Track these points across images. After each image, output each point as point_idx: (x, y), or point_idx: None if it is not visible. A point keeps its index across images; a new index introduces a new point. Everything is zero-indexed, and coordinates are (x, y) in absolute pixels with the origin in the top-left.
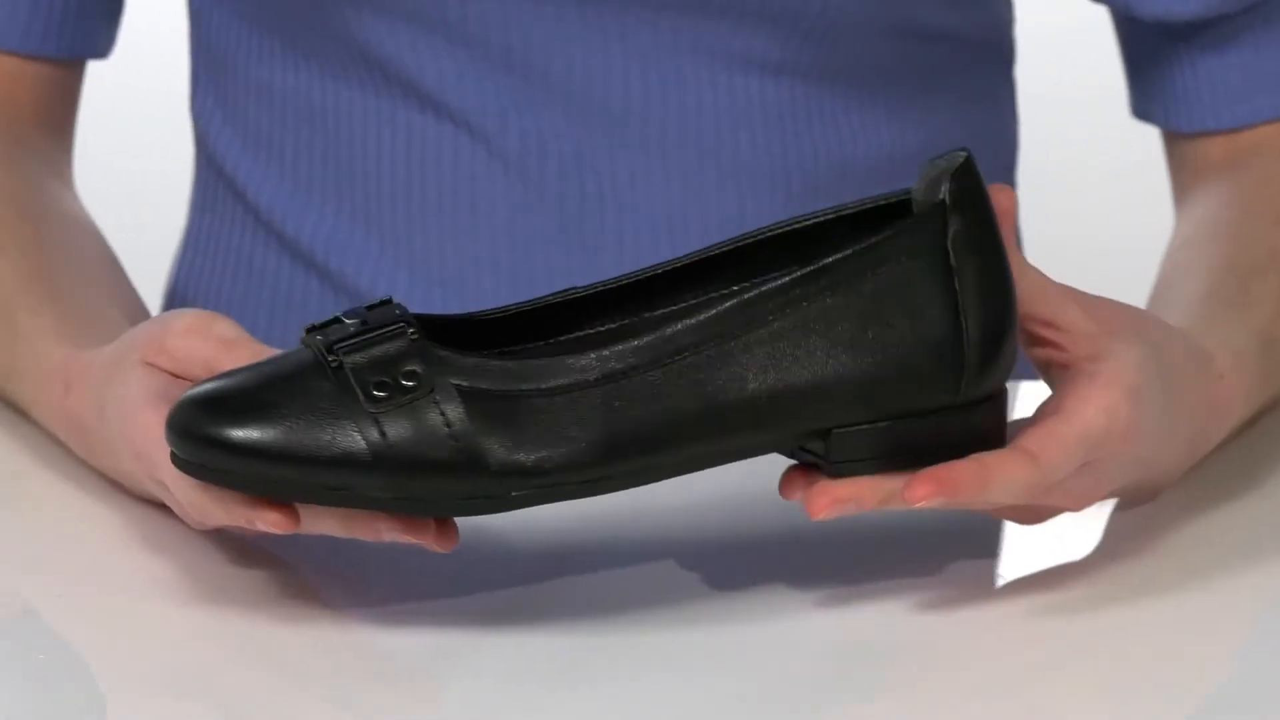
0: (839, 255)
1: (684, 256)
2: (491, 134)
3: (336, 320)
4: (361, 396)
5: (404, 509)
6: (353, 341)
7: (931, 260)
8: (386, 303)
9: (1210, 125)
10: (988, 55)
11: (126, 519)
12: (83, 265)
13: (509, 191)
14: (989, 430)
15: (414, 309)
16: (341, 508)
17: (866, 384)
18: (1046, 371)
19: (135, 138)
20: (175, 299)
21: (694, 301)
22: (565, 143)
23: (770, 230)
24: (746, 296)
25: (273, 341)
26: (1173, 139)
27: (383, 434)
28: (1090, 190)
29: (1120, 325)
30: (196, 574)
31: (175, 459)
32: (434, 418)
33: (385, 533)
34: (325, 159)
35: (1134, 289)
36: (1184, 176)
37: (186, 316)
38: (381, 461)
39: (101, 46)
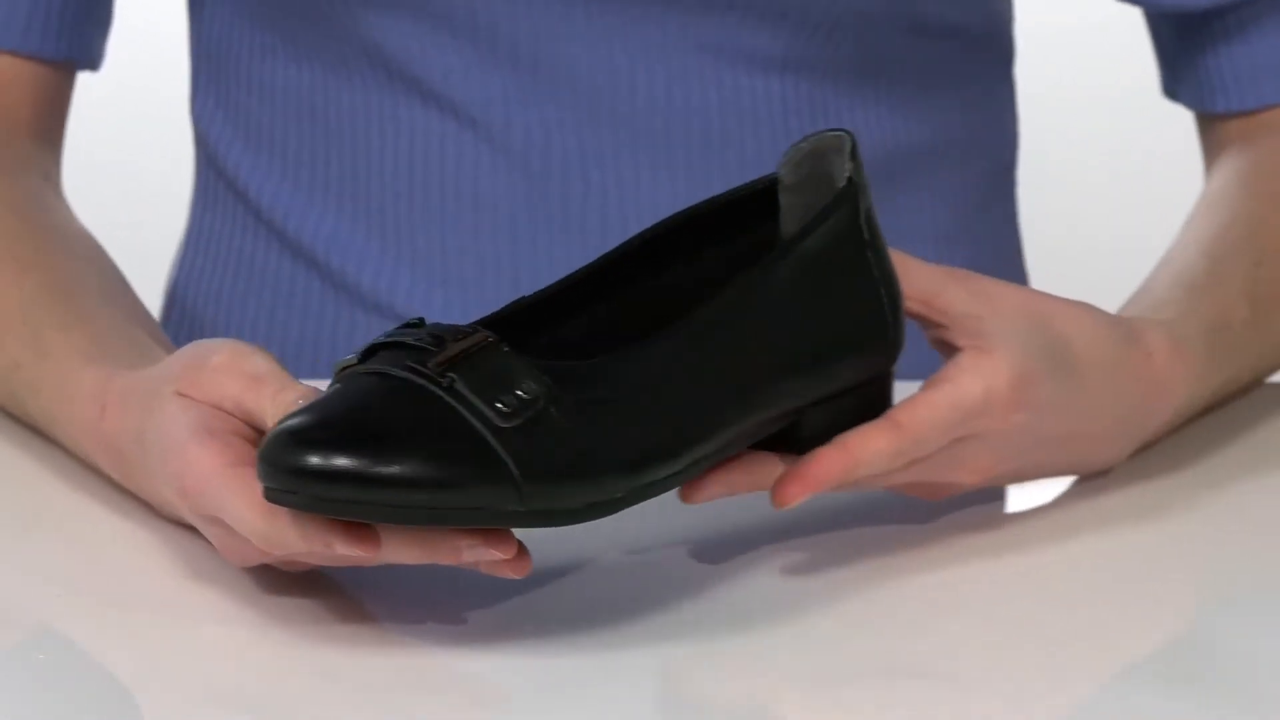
0: (787, 241)
1: (608, 254)
2: (495, 129)
3: (388, 344)
4: (490, 414)
5: (537, 523)
6: (446, 359)
7: (853, 238)
8: (420, 323)
9: (1230, 107)
10: (989, 52)
11: (163, 539)
12: (102, 283)
13: (512, 188)
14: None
15: (415, 308)
16: (472, 527)
17: (825, 358)
18: (942, 353)
19: (135, 138)
20: (175, 299)
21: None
22: (569, 138)
23: (669, 222)
24: (737, 286)
25: (273, 340)
26: (1201, 118)
27: (517, 449)
28: (1090, 190)
29: (1006, 306)
30: (240, 594)
31: (273, 492)
32: (556, 427)
33: (466, 551)
34: (327, 157)
35: (1133, 286)
36: (1209, 154)
37: (222, 352)
38: (513, 480)
39: (94, 55)
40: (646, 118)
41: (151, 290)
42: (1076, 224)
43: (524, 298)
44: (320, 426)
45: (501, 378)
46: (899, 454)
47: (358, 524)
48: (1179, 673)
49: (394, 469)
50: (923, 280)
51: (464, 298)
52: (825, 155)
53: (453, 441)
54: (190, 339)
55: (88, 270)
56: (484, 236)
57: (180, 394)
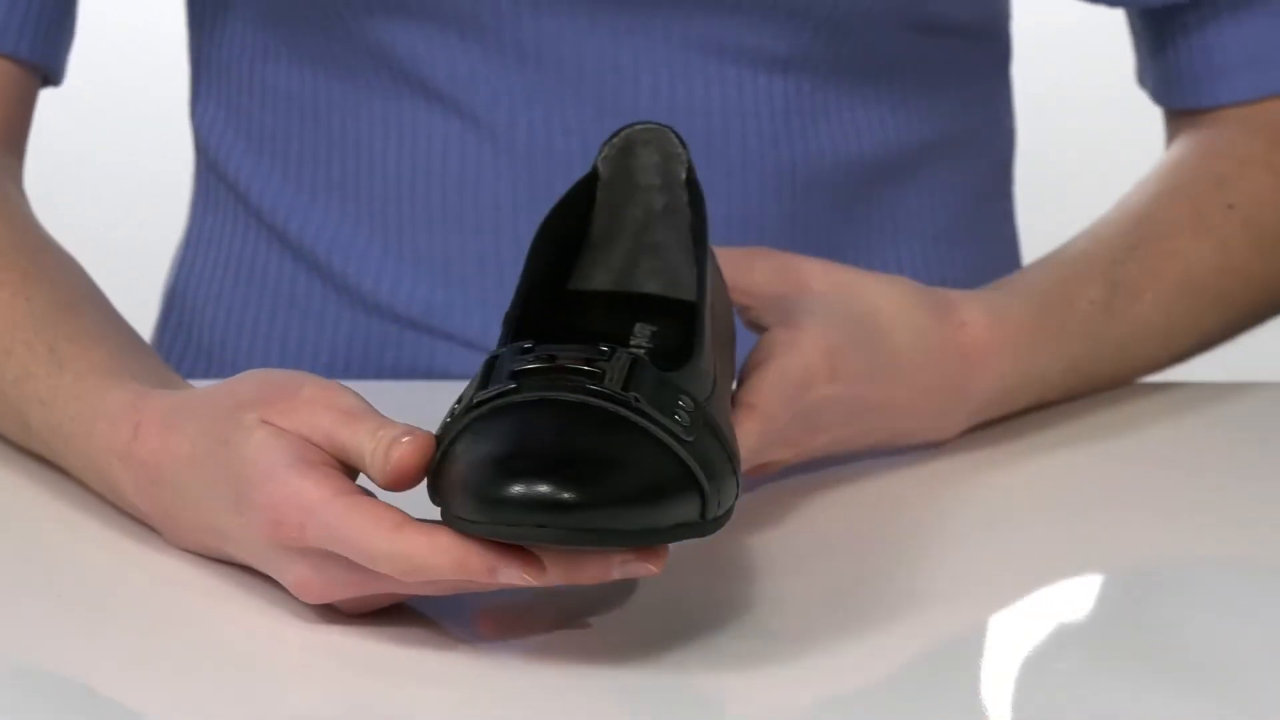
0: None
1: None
2: (500, 129)
3: (535, 370)
4: (677, 429)
5: (710, 530)
6: (613, 376)
7: (698, 224)
8: (531, 348)
9: (1179, 103)
10: (987, 50)
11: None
12: (95, 299)
13: (515, 187)
14: None
15: (418, 309)
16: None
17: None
18: (757, 335)
19: (135, 138)
20: (175, 301)
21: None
22: (573, 137)
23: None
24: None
25: (273, 342)
26: (1165, 111)
27: (700, 459)
28: (1089, 190)
29: (813, 282)
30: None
31: (470, 524)
32: (712, 433)
33: (617, 569)
34: (329, 159)
35: None
36: (1166, 145)
37: (310, 384)
38: (711, 485)
39: (59, 67)
40: (650, 117)
41: (151, 290)
42: (1075, 223)
43: (507, 313)
44: (531, 455)
45: (669, 391)
46: (762, 434)
47: (522, 549)
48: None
49: (614, 494)
50: (728, 262)
51: (466, 299)
52: (633, 149)
53: (654, 460)
54: (190, 341)
55: (81, 285)
56: (487, 237)
57: (265, 422)
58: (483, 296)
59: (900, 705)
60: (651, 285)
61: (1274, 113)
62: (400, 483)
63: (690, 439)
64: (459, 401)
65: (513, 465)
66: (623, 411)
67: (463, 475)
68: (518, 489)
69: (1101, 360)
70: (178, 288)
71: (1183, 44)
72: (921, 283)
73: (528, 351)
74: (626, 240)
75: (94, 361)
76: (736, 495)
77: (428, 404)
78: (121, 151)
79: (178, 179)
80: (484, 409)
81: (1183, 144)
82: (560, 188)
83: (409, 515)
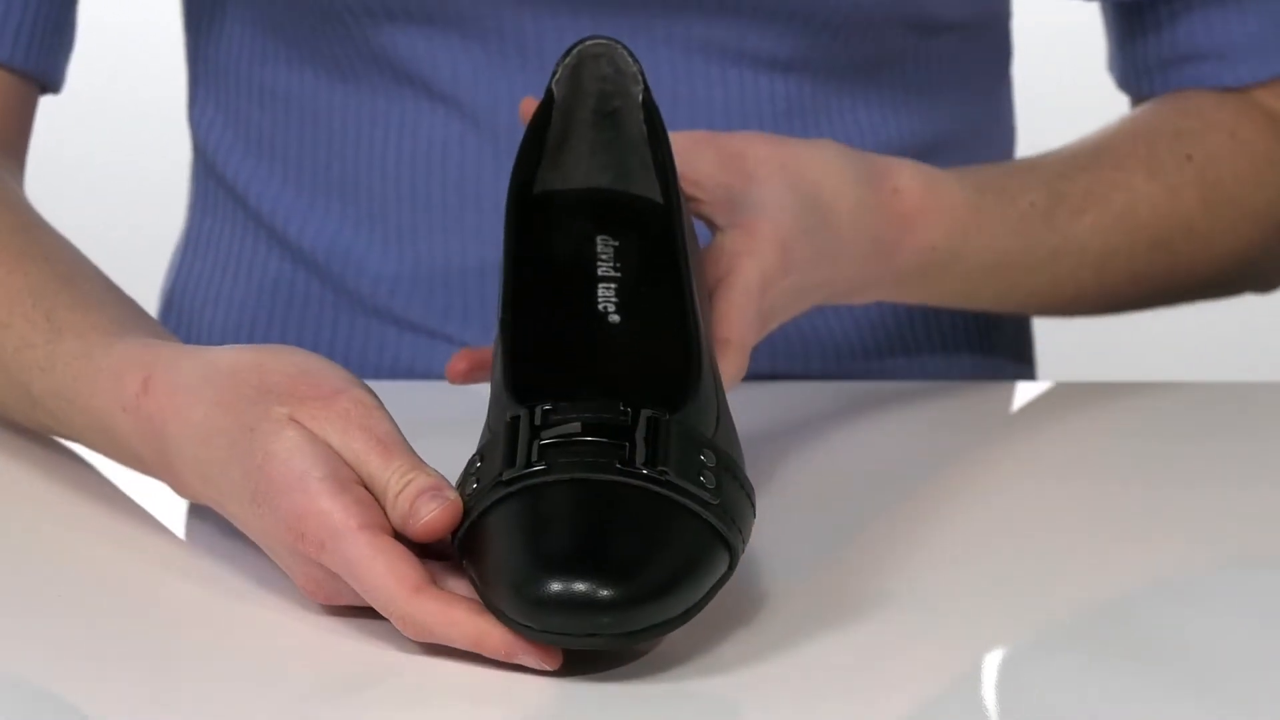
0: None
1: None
2: (501, 131)
3: (562, 444)
4: (704, 494)
5: (730, 575)
6: (646, 447)
7: (659, 152)
8: (555, 408)
9: (1147, 92)
10: (988, 50)
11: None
12: (94, 277)
13: None
14: None
15: (417, 311)
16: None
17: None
18: (706, 226)
19: (134, 139)
20: (173, 302)
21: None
22: None
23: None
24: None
25: (271, 342)
26: (1131, 101)
27: (724, 519)
28: None
29: (759, 169)
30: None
31: (515, 624)
32: (732, 478)
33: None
34: (329, 161)
35: None
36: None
37: (346, 396)
38: (736, 540)
39: (57, 76)
40: None
41: (150, 291)
42: None
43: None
44: (574, 556)
45: (688, 452)
46: (741, 368)
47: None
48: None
49: (660, 582)
50: (684, 159)
51: (465, 300)
52: (584, 64)
53: (692, 533)
54: (188, 342)
55: (78, 261)
56: (488, 238)
57: (295, 420)
58: (482, 298)
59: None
60: (603, 180)
61: (1244, 94)
62: (422, 541)
63: (718, 502)
64: (480, 458)
65: (555, 566)
66: (655, 489)
67: (503, 569)
68: (563, 594)
69: (1032, 268)
70: (176, 289)
71: (1153, 36)
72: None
73: (549, 413)
74: (578, 142)
75: (94, 323)
76: (753, 519)
77: (427, 405)
78: (120, 152)
79: (177, 179)
80: (515, 486)
81: (1151, 103)
82: None
83: (429, 577)
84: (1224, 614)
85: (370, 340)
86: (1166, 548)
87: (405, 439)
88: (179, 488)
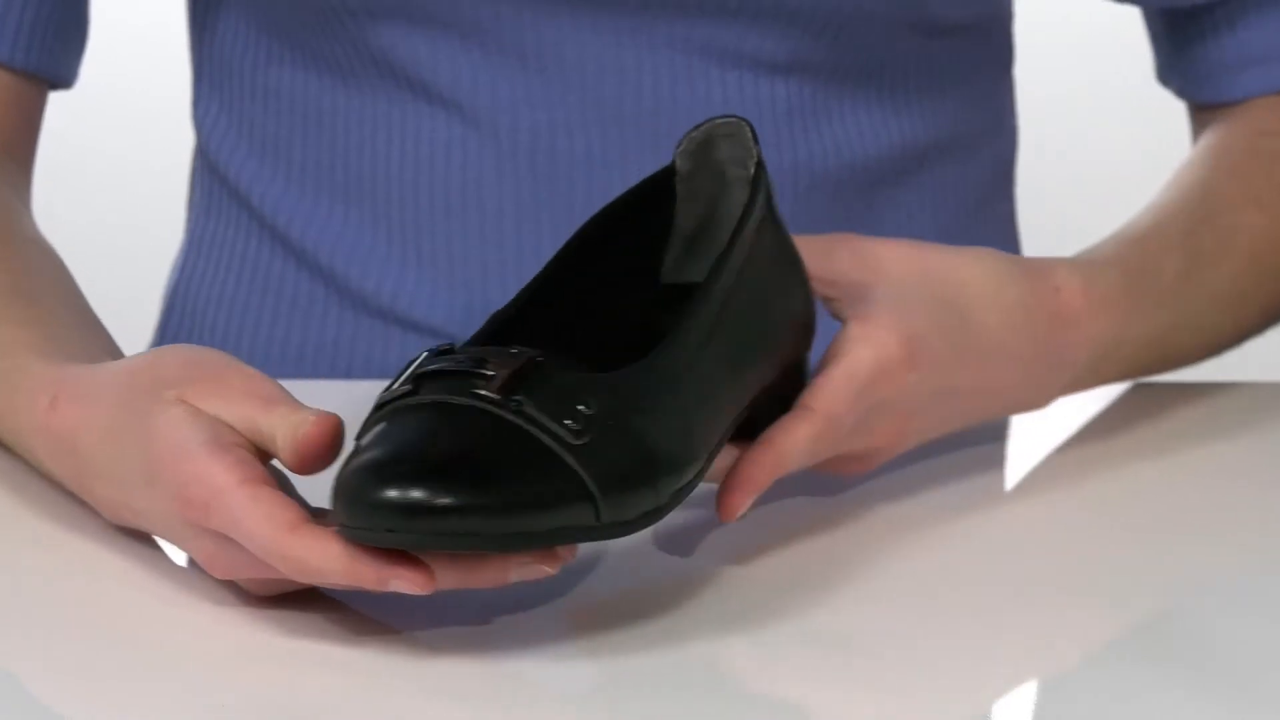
0: (738, 227)
1: (552, 261)
2: (503, 132)
3: (434, 373)
4: (563, 433)
5: (610, 535)
6: (501, 380)
7: (774, 219)
8: (451, 348)
9: (1214, 98)
10: (989, 51)
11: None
12: (59, 291)
13: (519, 191)
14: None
15: (422, 311)
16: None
17: (780, 343)
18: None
19: (135, 138)
20: (175, 303)
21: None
22: (576, 140)
23: (593, 221)
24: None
25: (274, 346)
26: (1190, 105)
27: (591, 465)
28: (1090, 190)
29: (893, 268)
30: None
31: (356, 531)
32: (618, 438)
33: (515, 572)
34: (333, 162)
35: None
36: (1194, 138)
37: (234, 371)
38: (591, 496)
39: (65, 73)
40: (653, 120)
41: (151, 291)
42: (1075, 223)
43: (498, 313)
44: (407, 460)
45: (563, 394)
46: (819, 438)
47: (411, 556)
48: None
49: (490, 498)
50: (810, 251)
51: (470, 300)
52: (715, 143)
53: (537, 464)
54: (192, 342)
55: (44, 277)
56: (490, 239)
57: (183, 400)
58: (486, 300)
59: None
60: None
61: None
62: (306, 462)
63: (580, 443)
64: None
65: (384, 471)
66: (505, 415)
67: (342, 480)
68: (388, 494)
69: (1181, 330)
70: (178, 290)
71: (1211, 40)
72: None
73: (442, 354)
74: (720, 234)
75: (26, 342)
76: (671, 499)
77: None
78: (121, 152)
79: (178, 179)
80: (384, 411)
81: (1224, 128)
82: (564, 191)
83: (308, 515)
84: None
85: (374, 341)
86: (1225, 550)
87: (292, 397)
88: (99, 505)
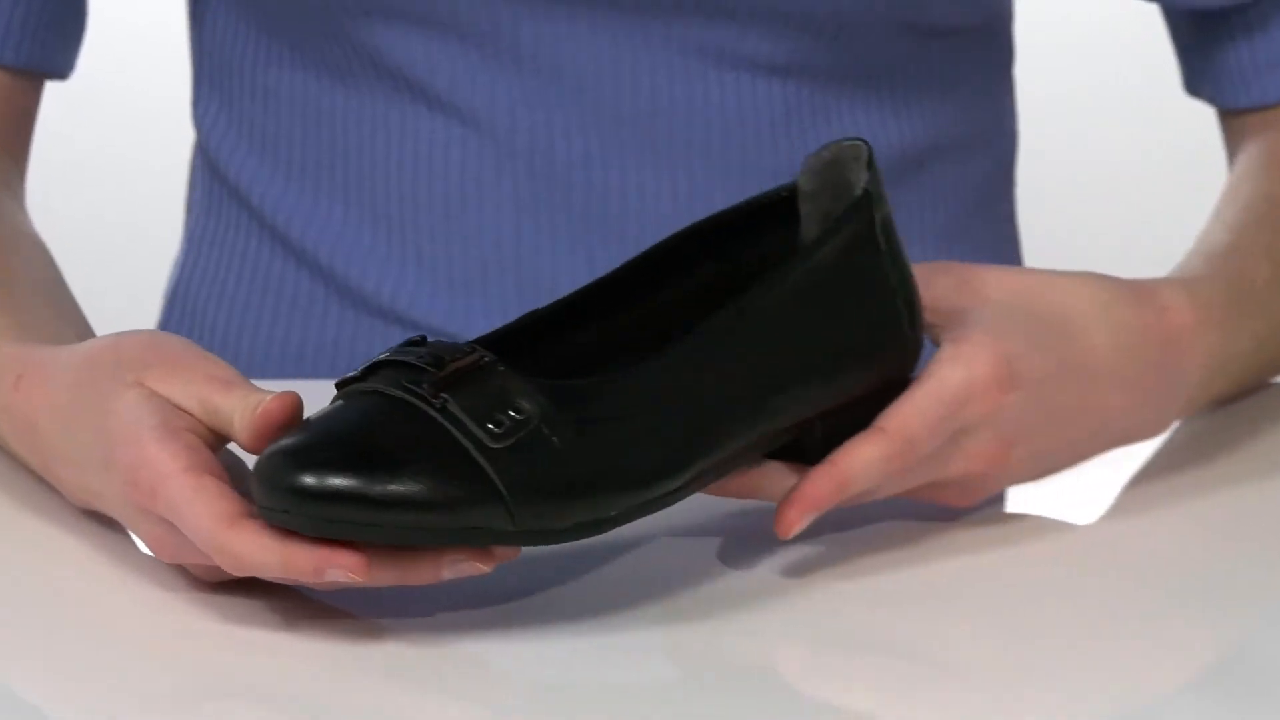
0: (801, 250)
1: (624, 265)
2: (500, 133)
3: (389, 362)
4: (481, 435)
5: (530, 542)
6: (440, 379)
7: (868, 246)
8: (422, 340)
9: (1252, 102)
10: (988, 52)
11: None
12: (34, 280)
13: (517, 191)
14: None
15: (422, 311)
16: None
17: (845, 366)
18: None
19: (135, 138)
20: (176, 302)
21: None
22: (574, 141)
23: (687, 231)
24: (735, 308)
25: (274, 345)
26: (1224, 114)
27: (507, 469)
28: (1090, 190)
29: (992, 292)
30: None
31: (268, 512)
32: (549, 447)
33: (448, 569)
34: (332, 162)
35: None
36: (1232, 146)
37: (187, 349)
38: (502, 499)
39: (60, 64)
40: (649, 120)
41: (151, 291)
42: (1076, 224)
43: (537, 310)
44: (317, 446)
45: (495, 397)
46: (889, 459)
47: (346, 549)
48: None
49: (390, 489)
50: (924, 285)
51: (469, 300)
52: (844, 164)
53: (445, 462)
54: (193, 341)
55: (19, 266)
56: (489, 239)
57: (140, 384)
58: (485, 300)
59: None
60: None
61: None
62: (263, 438)
63: (498, 446)
64: None
65: (289, 453)
66: (429, 411)
67: (259, 459)
68: (285, 476)
69: (1273, 338)
70: (179, 288)
71: (1244, 42)
72: None
73: (412, 345)
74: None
75: None
76: (626, 513)
77: None
78: (121, 151)
79: (178, 179)
80: (336, 395)
81: (1275, 134)
82: (563, 191)
83: (246, 508)
84: None
85: (374, 341)
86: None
87: (246, 380)
88: (60, 487)
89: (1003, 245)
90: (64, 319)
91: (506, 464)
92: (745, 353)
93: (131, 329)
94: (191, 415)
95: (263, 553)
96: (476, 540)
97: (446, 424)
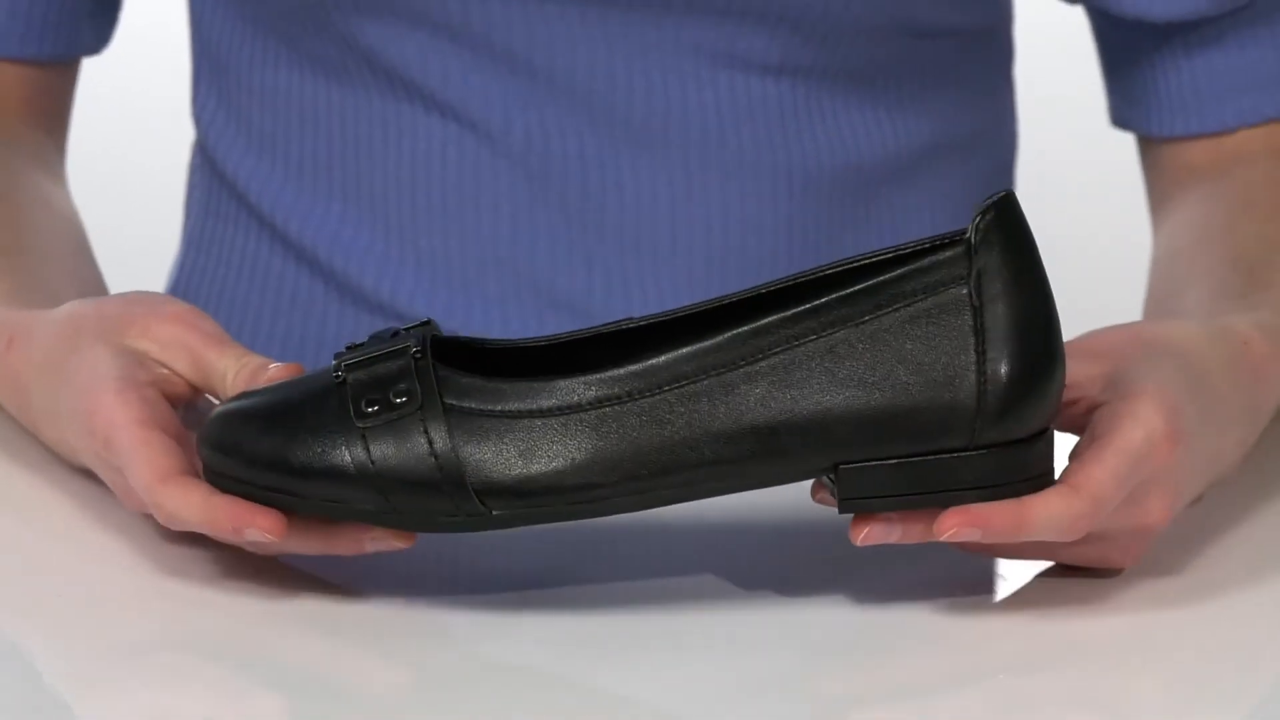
0: (848, 290)
1: (728, 295)
2: (495, 132)
3: (373, 337)
4: (352, 412)
5: (390, 523)
6: (358, 359)
7: (950, 298)
8: (427, 323)
9: (1194, 129)
10: (987, 53)
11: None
12: (49, 248)
13: (514, 189)
14: (1034, 470)
15: (419, 309)
16: (338, 520)
17: (869, 422)
18: (1083, 432)
19: (135, 138)
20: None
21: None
22: (569, 140)
23: (824, 270)
24: (750, 327)
25: (274, 342)
26: (1151, 146)
27: (367, 450)
28: (1089, 190)
29: (1125, 347)
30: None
31: (206, 470)
32: (418, 436)
33: (369, 543)
34: (330, 160)
35: (1133, 288)
36: (1164, 184)
37: (174, 304)
38: (366, 477)
39: (89, 44)
40: (644, 119)
41: (150, 289)
42: (1076, 224)
43: (631, 319)
44: (238, 410)
45: (385, 380)
46: (1078, 517)
47: (267, 510)
48: None
49: (266, 447)
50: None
51: (467, 298)
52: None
53: (322, 434)
54: None
55: (36, 235)
56: (486, 237)
57: (114, 340)
58: (484, 296)
59: None
60: None
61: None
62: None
63: (361, 425)
64: None
65: (219, 415)
66: (335, 385)
67: (204, 424)
68: (206, 435)
69: None
70: (178, 286)
71: (1185, 64)
72: None
73: (412, 328)
74: None
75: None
76: (500, 519)
77: None
78: (120, 151)
79: (177, 178)
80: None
81: (1232, 181)
82: (559, 189)
83: (187, 465)
84: None
85: None
86: None
87: (236, 341)
88: (49, 446)
89: None
90: (73, 284)
91: (369, 443)
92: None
93: (118, 292)
94: (167, 369)
95: (188, 509)
96: (348, 516)
97: (339, 399)
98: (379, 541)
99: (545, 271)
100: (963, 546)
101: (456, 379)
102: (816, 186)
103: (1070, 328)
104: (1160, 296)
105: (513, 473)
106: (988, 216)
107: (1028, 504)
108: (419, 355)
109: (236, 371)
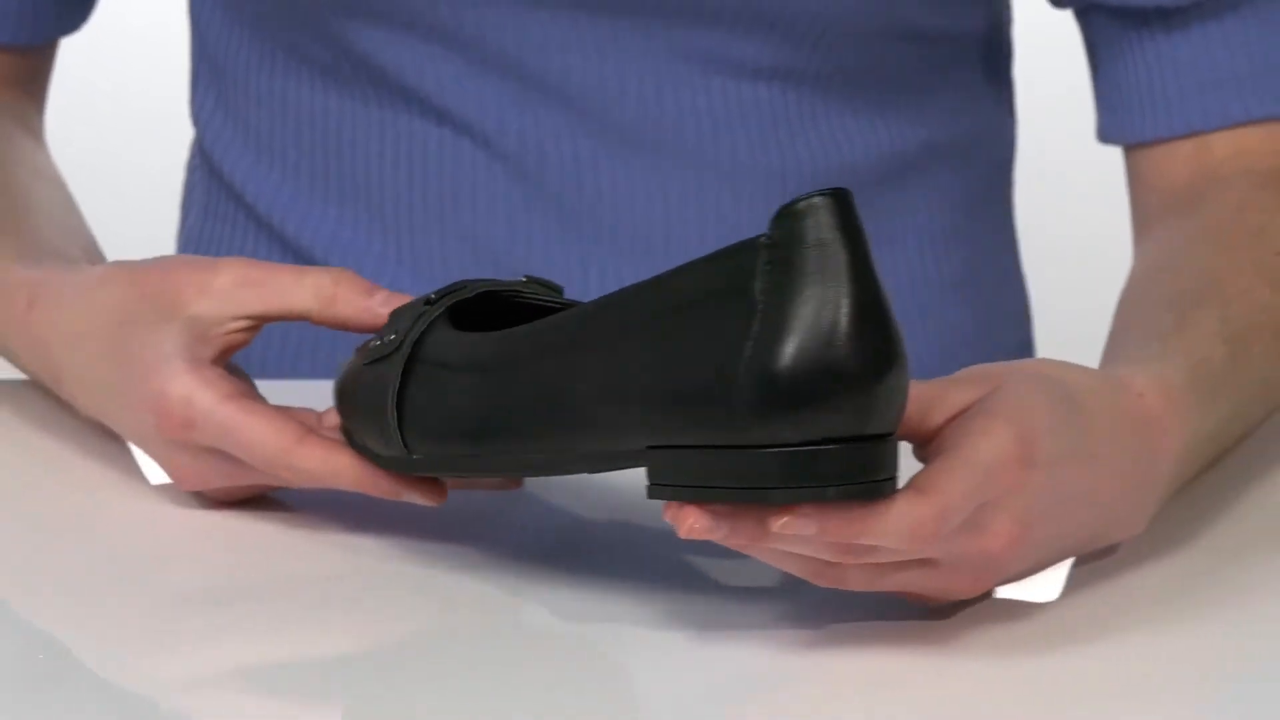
0: (650, 279)
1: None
2: (490, 135)
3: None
4: (364, 348)
5: (357, 447)
6: (425, 300)
7: (732, 295)
8: (534, 280)
9: (1162, 131)
10: (984, 55)
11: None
12: (45, 207)
13: (508, 192)
14: (857, 477)
15: None
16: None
17: (648, 404)
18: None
19: (134, 137)
20: None
21: None
22: (563, 144)
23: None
24: (580, 308)
25: (271, 342)
26: (1135, 165)
27: (363, 380)
28: (1088, 190)
29: (1011, 375)
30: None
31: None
32: (385, 373)
33: (405, 493)
34: (326, 163)
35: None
36: (1144, 209)
37: (204, 257)
38: (344, 398)
39: (67, 27)
40: (637, 124)
41: None
42: (1075, 224)
43: None
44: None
45: (395, 320)
46: (926, 522)
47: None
48: None
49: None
50: (917, 401)
51: None
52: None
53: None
54: None
55: (30, 194)
56: (481, 239)
57: (179, 312)
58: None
59: None
60: None
61: (1262, 154)
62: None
63: (360, 360)
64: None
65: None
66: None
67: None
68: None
69: (1235, 418)
70: None
71: (1155, 65)
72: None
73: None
74: None
75: (6, 247)
76: (420, 463)
77: None
78: (121, 151)
79: (175, 177)
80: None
81: (1203, 211)
82: (553, 193)
83: (309, 427)
84: None
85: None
86: None
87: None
88: (73, 403)
89: (1000, 247)
90: (73, 241)
91: (367, 376)
92: (565, 360)
93: (147, 259)
94: (233, 321)
95: (338, 472)
96: (390, 465)
97: (380, 355)
98: (412, 493)
99: (539, 272)
100: (793, 567)
101: (446, 330)
102: (810, 189)
103: (1069, 328)
104: (1115, 331)
105: (422, 420)
106: (784, 218)
107: (870, 505)
108: (429, 303)
109: (335, 280)
